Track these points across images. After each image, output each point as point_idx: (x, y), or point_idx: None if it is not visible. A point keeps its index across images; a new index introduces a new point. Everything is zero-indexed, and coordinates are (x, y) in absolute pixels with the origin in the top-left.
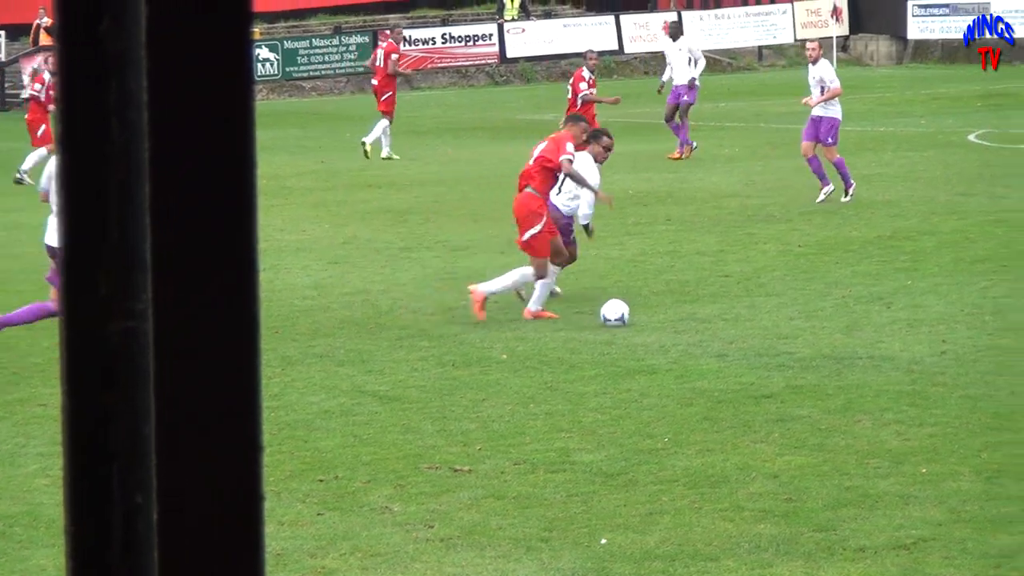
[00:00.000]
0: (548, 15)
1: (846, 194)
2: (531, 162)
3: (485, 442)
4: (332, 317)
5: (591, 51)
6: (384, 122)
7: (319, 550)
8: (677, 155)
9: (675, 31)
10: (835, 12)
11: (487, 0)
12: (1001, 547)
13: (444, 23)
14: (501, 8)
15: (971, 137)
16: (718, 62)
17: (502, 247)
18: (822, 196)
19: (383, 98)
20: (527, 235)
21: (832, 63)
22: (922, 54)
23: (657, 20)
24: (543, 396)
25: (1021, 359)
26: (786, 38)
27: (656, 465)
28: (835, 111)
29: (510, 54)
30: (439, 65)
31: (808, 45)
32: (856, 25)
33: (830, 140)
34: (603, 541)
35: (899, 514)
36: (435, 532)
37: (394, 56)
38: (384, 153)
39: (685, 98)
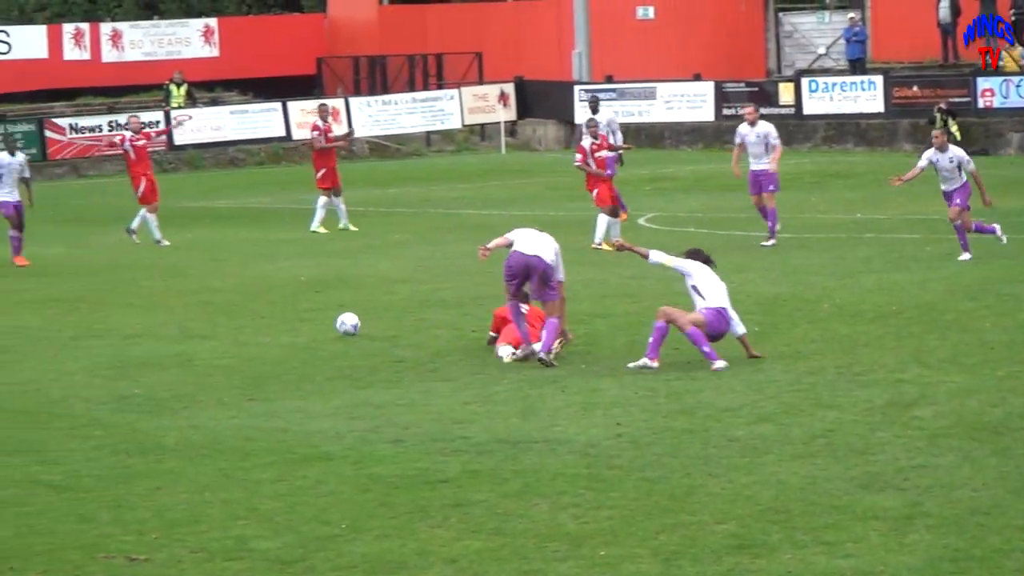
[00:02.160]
0: (215, 102)
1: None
2: None
3: (161, 531)
4: (2, 407)
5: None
6: (323, 199)
7: None
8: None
9: (594, 104)
10: (502, 97)
11: (153, 88)
12: None
13: (110, 111)
14: (167, 96)
15: (641, 221)
16: (386, 148)
17: (173, 335)
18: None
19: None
20: None
21: (501, 148)
22: None
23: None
24: (219, 484)
25: (695, 441)
26: (454, 123)
27: (334, 552)
28: (775, 165)
29: (178, 141)
30: (106, 153)
31: (746, 108)
32: (523, 110)
33: (772, 188)
34: None
35: None
36: None
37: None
38: (340, 224)
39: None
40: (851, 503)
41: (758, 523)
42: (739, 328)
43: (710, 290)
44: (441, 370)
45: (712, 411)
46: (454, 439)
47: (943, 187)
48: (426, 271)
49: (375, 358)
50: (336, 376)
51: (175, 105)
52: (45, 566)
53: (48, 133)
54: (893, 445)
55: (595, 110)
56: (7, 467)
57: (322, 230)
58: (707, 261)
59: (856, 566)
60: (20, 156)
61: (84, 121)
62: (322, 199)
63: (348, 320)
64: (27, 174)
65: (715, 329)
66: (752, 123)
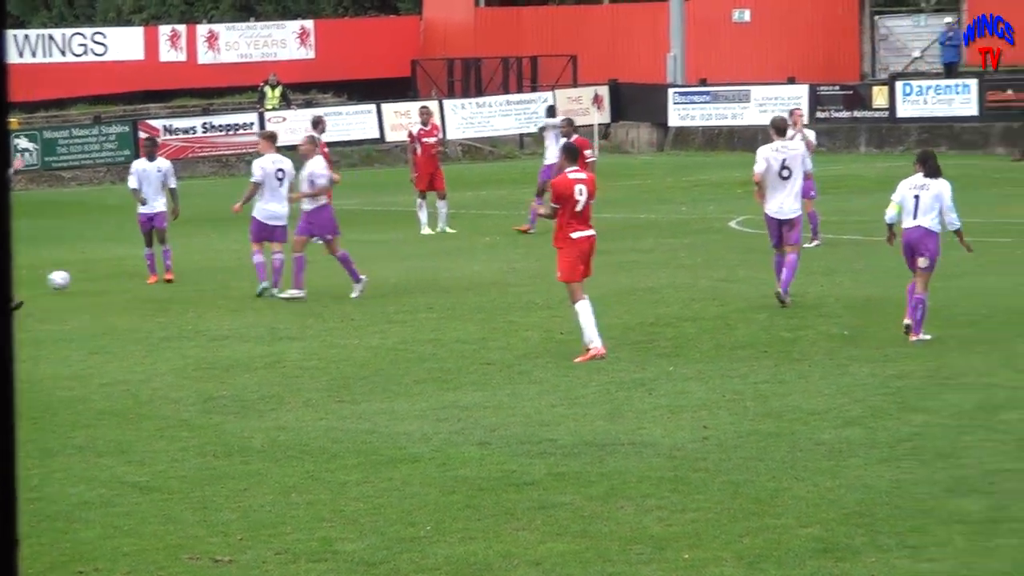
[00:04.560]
0: (309, 104)
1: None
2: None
3: (246, 532)
4: (92, 408)
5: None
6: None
7: None
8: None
9: (550, 111)
10: (596, 100)
11: (248, 89)
12: None
13: (205, 112)
14: (262, 97)
15: (732, 223)
16: (479, 150)
17: (262, 336)
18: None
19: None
20: None
21: (595, 150)
22: (683, 141)
23: (416, 108)
24: (304, 485)
25: (781, 444)
26: None
27: (418, 554)
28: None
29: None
30: (200, 154)
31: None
32: (617, 113)
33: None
34: None
35: None
36: None
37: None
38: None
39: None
40: (936, 507)
41: (843, 527)
42: (953, 223)
43: (905, 209)
44: (529, 372)
45: (799, 414)
46: (540, 441)
47: None
48: (516, 273)
49: (463, 360)
50: (424, 378)
51: (269, 107)
52: (130, 567)
53: (142, 135)
54: (980, 449)
55: (552, 114)
56: (95, 467)
57: (427, 231)
58: (925, 162)
59: (940, 570)
60: (162, 162)
61: (179, 123)
62: (417, 201)
63: (58, 278)
64: (172, 183)
65: (909, 250)
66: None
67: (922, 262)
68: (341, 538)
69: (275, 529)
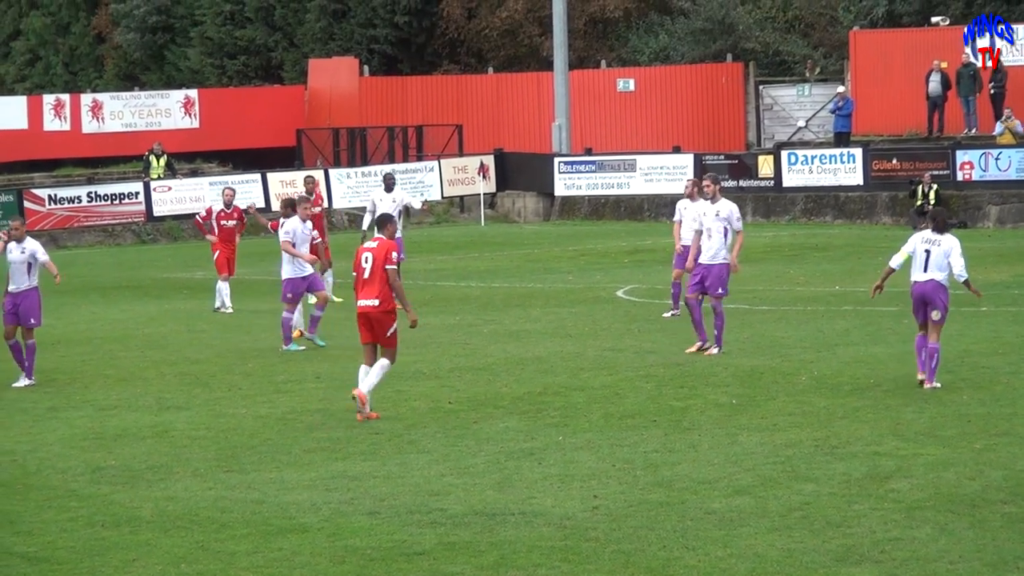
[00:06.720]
0: (195, 173)
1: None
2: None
3: None
4: None
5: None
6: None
7: None
8: None
9: (389, 183)
10: (482, 169)
11: (133, 159)
12: None
13: (90, 182)
14: (147, 167)
15: (619, 293)
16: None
17: (150, 406)
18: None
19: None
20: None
21: (481, 220)
22: (569, 211)
23: (302, 177)
24: (194, 556)
25: (672, 514)
26: (434, 195)
27: None
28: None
29: (157, 212)
30: (85, 224)
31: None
32: (503, 182)
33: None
34: None
35: None
36: None
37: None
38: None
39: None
40: None
41: None
42: (961, 274)
43: (915, 263)
44: (418, 442)
45: (689, 484)
46: (430, 511)
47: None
48: (402, 343)
49: (352, 430)
50: (313, 448)
51: (154, 176)
52: None
53: (27, 204)
54: (870, 518)
55: (389, 188)
56: None
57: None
58: (935, 219)
59: None
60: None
61: (63, 192)
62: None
63: None
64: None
65: (921, 303)
66: (691, 198)
67: (935, 315)
68: None
69: None
